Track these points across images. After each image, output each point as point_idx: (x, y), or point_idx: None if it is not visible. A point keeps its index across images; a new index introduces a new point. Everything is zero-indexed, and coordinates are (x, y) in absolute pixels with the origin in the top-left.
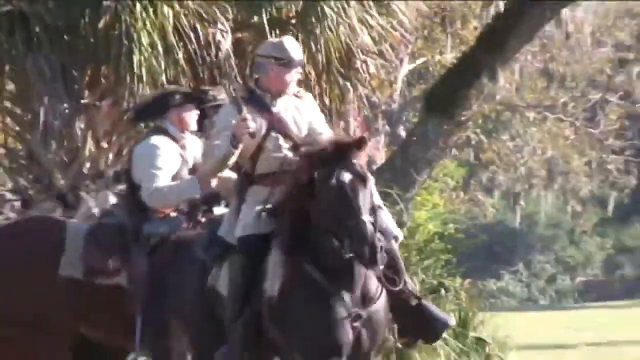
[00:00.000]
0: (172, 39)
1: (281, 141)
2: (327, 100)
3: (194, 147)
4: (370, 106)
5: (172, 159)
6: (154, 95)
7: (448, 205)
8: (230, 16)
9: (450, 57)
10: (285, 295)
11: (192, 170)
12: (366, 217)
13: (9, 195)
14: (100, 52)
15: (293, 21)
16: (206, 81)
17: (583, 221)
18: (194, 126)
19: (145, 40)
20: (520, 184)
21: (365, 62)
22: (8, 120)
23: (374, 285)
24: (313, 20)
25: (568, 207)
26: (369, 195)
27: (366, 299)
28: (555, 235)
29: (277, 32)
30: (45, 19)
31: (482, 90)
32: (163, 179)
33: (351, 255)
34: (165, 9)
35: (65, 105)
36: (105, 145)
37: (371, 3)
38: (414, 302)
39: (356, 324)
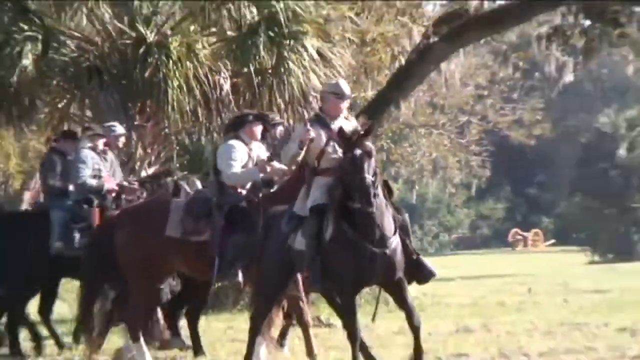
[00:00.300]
0: (192, 82)
1: (337, 147)
2: (291, 121)
3: (258, 150)
4: None
5: (242, 155)
6: (236, 115)
7: None
8: (229, 67)
9: (370, 94)
10: (332, 244)
11: (255, 164)
12: (367, 176)
13: (137, 186)
14: (146, 91)
15: (270, 71)
16: (213, 110)
17: (456, 198)
18: (259, 136)
19: (175, 83)
20: (415, 175)
21: (315, 97)
22: None
23: (393, 237)
24: (282, 70)
25: (446, 189)
26: (373, 164)
27: (384, 244)
28: (438, 208)
29: (260, 78)
30: (111, 70)
31: (391, 115)
32: (236, 167)
33: (358, 205)
34: (188, 63)
35: (124, 125)
36: (149, 151)
37: (319, 58)
38: (415, 256)
39: (378, 262)
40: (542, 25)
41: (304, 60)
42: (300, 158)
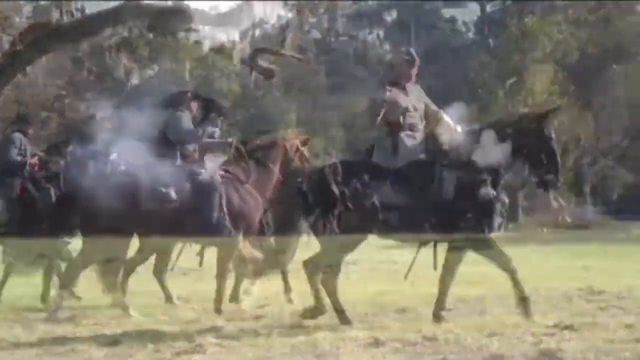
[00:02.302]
0: None
1: (416, 107)
2: None
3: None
4: None
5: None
6: (176, 93)
7: None
8: None
9: None
10: (467, 193)
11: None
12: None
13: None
14: None
15: None
16: None
17: None
18: (195, 111)
19: None
20: None
21: None
22: None
23: None
24: None
25: None
26: None
27: None
28: None
29: None
30: None
31: None
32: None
33: (541, 177)
34: None
35: None
36: None
37: None
38: None
39: None
40: (112, 37)
41: None
42: (380, 117)
